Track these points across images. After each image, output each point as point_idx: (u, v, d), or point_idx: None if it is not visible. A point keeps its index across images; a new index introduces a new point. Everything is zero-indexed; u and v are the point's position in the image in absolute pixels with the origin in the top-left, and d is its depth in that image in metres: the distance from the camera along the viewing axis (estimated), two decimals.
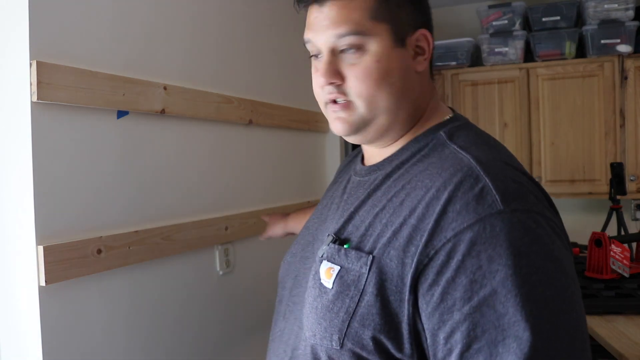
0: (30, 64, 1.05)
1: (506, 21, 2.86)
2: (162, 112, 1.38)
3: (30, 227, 1.07)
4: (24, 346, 1.10)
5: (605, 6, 2.72)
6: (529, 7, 2.86)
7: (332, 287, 0.70)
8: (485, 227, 0.62)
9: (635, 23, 2.70)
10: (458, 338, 0.61)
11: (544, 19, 2.84)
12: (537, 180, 0.76)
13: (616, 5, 2.70)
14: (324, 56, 0.75)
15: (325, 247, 0.75)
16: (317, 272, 0.74)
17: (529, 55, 2.92)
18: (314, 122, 2.21)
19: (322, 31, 0.74)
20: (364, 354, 0.67)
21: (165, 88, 1.38)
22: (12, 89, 1.08)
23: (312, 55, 0.79)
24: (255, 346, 1.78)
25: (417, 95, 0.77)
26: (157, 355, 1.37)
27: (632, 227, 2.66)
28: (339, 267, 0.71)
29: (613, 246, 1.94)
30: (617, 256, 1.94)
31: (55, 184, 1.11)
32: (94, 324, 1.20)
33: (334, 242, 0.74)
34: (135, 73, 1.31)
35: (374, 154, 0.81)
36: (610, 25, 2.73)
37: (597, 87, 2.79)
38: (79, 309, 1.16)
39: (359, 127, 0.75)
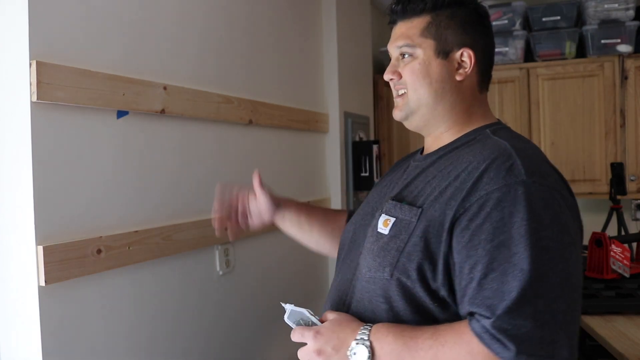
0: (30, 64, 1.05)
1: (506, 21, 2.86)
2: (162, 112, 1.38)
3: (30, 227, 1.07)
4: (24, 346, 1.10)
5: (606, 6, 2.72)
6: (529, 7, 2.86)
7: (388, 233, 0.92)
8: (510, 190, 0.83)
9: (636, 23, 2.70)
10: (479, 268, 0.81)
11: (544, 19, 2.84)
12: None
13: (616, 5, 2.70)
14: (392, 61, 1.02)
15: (385, 204, 0.97)
16: (375, 225, 0.96)
17: (529, 55, 2.92)
18: (314, 122, 2.21)
19: (392, 43, 1.02)
20: (408, 282, 0.88)
21: (165, 88, 1.38)
22: (12, 89, 1.08)
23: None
24: (256, 346, 1.78)
25: (456, 99, 0.99)
26: (157, 355, 1.37)
27: (632, 227, 2.65)
28: (394, 218, 0.93)
29: (613, 246, 1.94)
30: (617, 256, 1.94)
31: (55, 184, 1.11)
32: (94, 324, 1.20)
33: (393, 200, 0.96)
34: (135, 73, 1.31)
35: (431, 145, 1.03)
36: (610, 25, 2.73)
37: (597, 87, 2.79)
38: (79, 309, 1.16)
39: (408, 114, 1.01)
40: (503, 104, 2.87)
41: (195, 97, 1.50)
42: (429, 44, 0.98)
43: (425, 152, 1.06)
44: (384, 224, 0.95)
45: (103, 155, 1.23)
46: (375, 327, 0.88)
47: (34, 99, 1.06)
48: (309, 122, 2.17)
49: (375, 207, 1.04)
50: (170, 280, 1.43)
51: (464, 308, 0.84)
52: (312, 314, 0.94)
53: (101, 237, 1.19)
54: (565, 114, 2.84)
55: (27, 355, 1.09)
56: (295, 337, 0.93)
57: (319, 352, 0.90)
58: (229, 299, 1.66)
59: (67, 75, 1.12)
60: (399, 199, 0.96)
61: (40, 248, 1.06)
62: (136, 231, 1.29)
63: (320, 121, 2.28)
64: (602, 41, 2.75)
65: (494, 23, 2.87)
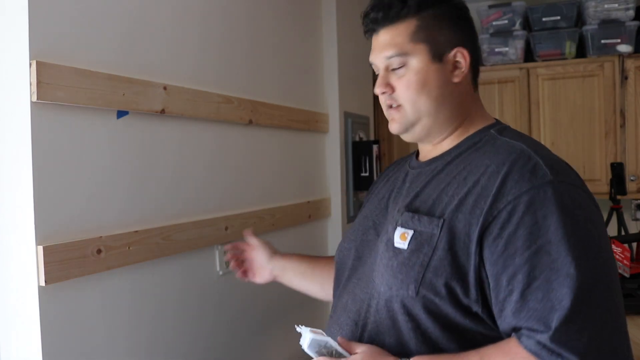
0: (30, 64, 1.05)
1: (506, 21, 2.86)
2: (162, 112, 1.37)
3: (30, 227, 1.07)
4: (24, 346, 1.10)
5: (606, 6, 2.72)
6: (529, 7, 2.86)
7: (408, 247, 0.86)
8: (539, 192, 0.78)
9: (636, 23, 2.70)
10: (520, 278, 0.76)
11: (544, 19, 2.84)
12: None
13: (616, 5, 2.70)
14: (380, 72, 0.96)
15: (398, 217, 0.91)
16: (391, 239, 0.89)
17: (529, 55, 2.92)
18: (314, 122, 2.21)
19: (377, 54, 0.96)
20: (437, 300, 0.82)
21: (165, 88, 1.38)
22: (11, 89, 1.08)
23: (376, 72, 0.99)
24: (256, 346, 1.78)
25: (456, 102, 0.94)
26: (157, 355, 1.37)
27: (632, 227, 2.65)
28: (412, 231, 0.87)
29: (613, 246, 1.94)
30: (617, 256, 1.95)
31: (55, 183, 1.11)
32: (94, 324, 1.20)
33: (408, 211, 0.90)
34: (135, 73, 1.31)
35: (430, 151, 0.98)
36: (610, 25, 2.73)
37: (597, 87, 2.79)
38: (79, 309, 1.16)
39: (408, 126, 0.95)
40: (503, 104, 2.87)
41: (195, 97, 1.50)
42: (422, 48, 0.91)
43: (424, 157, 1.00)
44: (401, 238, 0.88)
45: (103, 155, 1.23)
46: (415, 357, 0.82)
47: (34, 99, 1.06)
48: (309, 122, 2.16)
49: (378, 221, 0.99)
50: (170, 280, 1.43)
51: (507, 323, 0.79)
52: (336, 343, 0.86)
53: (101, 237, 1.19)
54: (565, 114, 2.84)
55: (27, 355, 1.09)
56: None
57: None
58: (229, 299, 1.66)
59: (67, 75, 1.12)
60: (413, 209, 0.90)
61: (40, 248, 1.06)
62: (136, 231, 1.29)
63: (320, 121, 2.28)
64: (602, 41, 2.75)
65: (494, 23, 2.87)
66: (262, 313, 1.79)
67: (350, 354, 0.86)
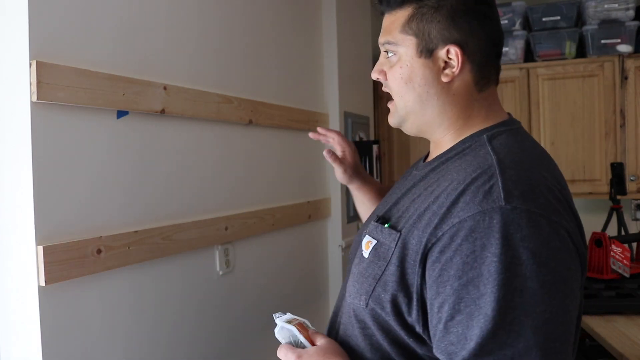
0: (30, 64, 1.05)
1: (506, 21, 2.87)
2: (162, 112, 1.37)
3: (30, 227, 1.07)
4: (23, 346, 1.10)
5: (606, 6, 2.72)
6: (529, 7, 2.86)
7: (368, 257, 0.85)
8: (485, 219, 0.71)
9: (636, 23, 2.70)
10: (446, 308, 0.72)
11: (544, 19, 2.84)
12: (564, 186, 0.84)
13: (616, 5, 2.70)
14: (380, 57, 0.92)
15: (370, 224, 0.89)
16: (361, 245, 0.89)
17: (529, 55, 2.92)
18: (314, 122, 2.21)
19: (379, 37, 0.91)
20: (383, 314, 0.81)
21: (165, 88, 1.38)
22: (12, 89, 1.08)
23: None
24: (255, 346, 1.78)
25: (444, 102, 0.87)
26: (157, 355, 1.37)
27: (632, 227, 2.66)
28: (375, 241, 0.85)
29: (613, 246, 1.95)
30: (617, 256, 1.95)
31: (55, 184, 1.11)
32: (94, 324, 1.20)
33: (377, 221, 0.88)
34: (135, 73, 1.31)
35: (434, 150, 0.94)
36: (610, 25, 2.73)
37: (597, 87, 2.79)
38: (79, 309, 1.16)
39: (400, 120, 0.91)
40: (503, 104, 2.85)
41: (195, 97, 1.50)
42: (410, 41, 0.85)
43: (431, 155, 0.96)
44: (365, 246, 0.87)
45: (103, 155, 1.23)
46: None
47: (34, 99, 1.06)
48: (309, 122, 2.17)
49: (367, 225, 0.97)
50: (170, 281, 1.43)
51: (436, 350, 0.76)
52: (301, 333, 0.89)
53: (101, 237, 1.19)
54: (565, 114, 2.84)
55: (27, 355, 1.09)
56: (280, 354, 0.88)
57: None
58: (229, 299, 1.66)
59: (67, 75, 1.12)
60: (384, 219, 0.88)
61: (40, 248, 1.06)
62: (136, 231, 1.29)
63: (320, 121, 2.28)
64: (602, 41, 2.75)
65: None
66: (263, 313, 1.79)
67: (312, 345, 0.88)
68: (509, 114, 0.95)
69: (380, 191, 1.29)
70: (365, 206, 1.28)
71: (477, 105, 0.89)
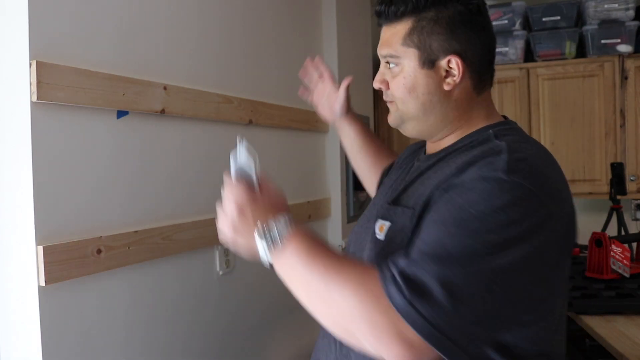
0: (30, 64, 1.05)
1: (506, 21, 2.87)
2: (162, 112, 1.38)
3: (30, 227, 1.07)
4: (23, 346, 1.10)
5: (606, 6, 2.72)
6: (529, 7, 2.86)
7: (385, 238, 0.88)
8: (482, 183, 0.77)
9: (636, 23, 2.70)
10: (415, 240, 0.79)
11: (544, 19, 2.84)
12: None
13: (616, 5, 2.70)
14: (380, 67, 0.97)
15: (381, 209, 0.95)
16: (373, 230, 0.92)
17: (529, 55, 2.92)
18: (314, 122, 2.21)
19: (379, 49, 0.95)
20: None
21: (165, 88, 1.38)
22: (12, 89, 1.08)
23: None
24: (256, 346, 1.78)
25: (449, 108, 0.92)
26: (157, 355, 1.37)
27: (633, 227, 2.66)
28: (389, 223, 0.89)
29: (613, 246, 1.94)
30: (617, 256, 1.94)
31: (55, 183, 1.11)
32: (94, 324, 1.20)
33: (389, 204, 0.93)
34: (135, 73, 1.31)
35: (434, 146, 0.98)
36: (610, 25, 2.73)
37: (597, 87, 2.79)
38: (79, 309, 1.16)
39: (399, 122, 0.96)
40: (503, 104, 2.87)
41: (195, 97, 1.50)
42: (413, 53, 0.90)
43: (428, 150, 1.01)
44: (379, 229, 0.91)
45: (103, 155, 1.23)
46: (295, 222, 0.84)
47: (34, 99, 1.06)
48: (309, 122, 2.17)
49: (377, 211, 1.00)
50: (170, 281, 1.43)
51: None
52: (255, 172, 0.88)
53: (101, 237, 1.19)
54: (565, 114, 2.84)
55: (27, 355, 1.09)
56: (229, 185, 0.89)
57: (241, 210, 0.86)
58: (229, 299, 1.66)
59: (67, 75, 1.12)
60: (395, 202, 0.92)
61: (40, 248, 1.06)
62: (136, 231, 1.29)
63: (320, 121, 2.28)
64: (602, 41, 2.75)
65: (494, 23, 2.86)
66: (263, 313, 1.79)
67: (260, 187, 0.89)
68: (503, 116, 1.01)
69: (363, 126, 1.41)
70: (350, 139, 1.39)
71: (477, 107, 0.95)
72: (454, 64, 0.89)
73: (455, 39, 0.89)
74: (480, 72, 0.92)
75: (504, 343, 0.77)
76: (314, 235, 0.84)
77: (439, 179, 0.84)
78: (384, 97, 0.98)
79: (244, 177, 0.89)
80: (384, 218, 0.91)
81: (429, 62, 0.89)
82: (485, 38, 0.92)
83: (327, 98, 1.38)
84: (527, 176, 0.77)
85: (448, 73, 0.90)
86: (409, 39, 0.89)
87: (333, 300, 0.77)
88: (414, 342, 0.71)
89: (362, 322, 0.74)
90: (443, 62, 0.89)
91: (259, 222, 0.84)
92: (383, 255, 0.85)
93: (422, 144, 1.09)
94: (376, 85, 0.97)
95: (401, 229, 0.86)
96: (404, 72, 0.91)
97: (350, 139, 1.39)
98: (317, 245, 0.82)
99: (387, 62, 0.94)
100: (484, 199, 0.75)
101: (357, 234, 1.04)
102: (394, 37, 0.91)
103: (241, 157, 0.90)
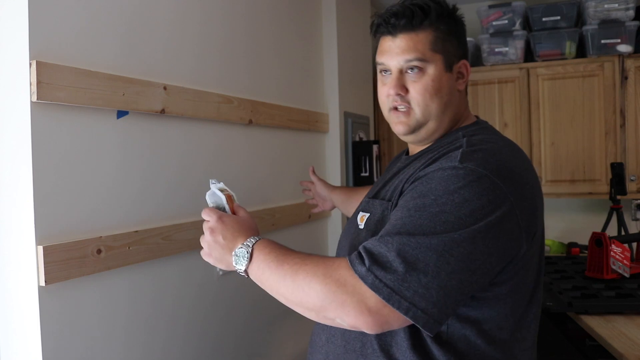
0: (30, 64, 1.05)
1: (506, 21, 2.87)
2: (162, 112, 1.38)
3: (30, 227, 1.07)
4: (23, 346, 1.10)
5: (606, 6, 2.72)
6: (529, 7, 2.86)
7: (364, 227, 1.01)
8: (440, 172, 0.89)
9: (636, 23, 2.70)
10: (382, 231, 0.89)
11: (544, 19, 2.84)
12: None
13: (616, 5, 2.70)
14: (393, 74, 1.03)
15: (363, 202, 1.09)
16: (356, 221, 1.05)
17: (529, 55, 2.92)
18: (314, 122, 2.21)
19: (394, 56, 1.02)
20: None
21: (165, 88, 1.38)
22: (12, 89, 1.08)
23: (381, 71, 1.07)
24: (256, 345, 1.78)
25: (457, 107, 1.06)
26: (156, 355, 1.37)
27: (633, 227, 2.65)
28: (369, 214, 1.02)
29: (613, 246, 1.94)
30: (617, 256, 1.94)
31: (55, 184, 1.11)
32: (94, 324, 1.20)
33: (369, 198, 1.06)
34: (135, 73, 1.31)
35: (415, 149, 1.10)
36: (610, 25, 2.73)
37: (597, 87, 2.79)
38: (79, 309, 1.16)
39: (415, 128, 1.04)
40: (503, 104, 2.87)
41: (195, 97, 1.50)
42: (439, 58, 1.01)
43: (411, 152, 1.13)
44: (360, 220, 1.03)
45: (103, 156, 1.23)
46: (262, 240, 0.99)
47: (34, 99, 1.06)
48: (309, 122, 2.17)
49: (361, 206, 1.13)
50: (170, 281, 1.43)
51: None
52: (227, 203, 1.05)
53: (101, 237, 1.19)
54: (565, 114, 2.84)
55: (27, 355, 1.09)
56: (204, 214, 1.03)
57: (212, 232, 1.01)
58: (228, 299, 1.66)
59: (67, 75, 1.12)
60: (375, 197, 1.05)
61: (40, 248, 1.06)
62: (136, 231, 1.29)
63: (320, 121, 2.28)
64: (602, 41, 2.75)
65: (494, 23, 2.87)
66: (263, 313, 1.79)
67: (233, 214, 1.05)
68: (476, 116, 1.14)
69: (343, 189, 1.72)
70: (343, 204, 1.65)
71: (466, 107, 1.10)
72: (463, 67, 1.05)
73: (461, 46, 1.06)
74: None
75: (472, 318, 0.90)
76: (279, 245, 0.98)
77: (410, 173, 0.97)
78: (397, 105, 1.03)
79: (219, 209, 1.07)
80: (365, 210, 1.04)
81: (449, 65, 1.02)
82: (467, 45, 1.10)
83: (318, 194, 1.75)
84: (481, 162, 0.88)
85: (459, 75, 1.05)
86: (435, 45, 1.01)
87: (304, 293, 0.88)
88: (379, 309, 0.81)
89: (332, 305, 0.84)
90: (458, 66, 1.04)
91: (231, 242, 1.00)
92: (359, 241, 0.96)
93: (406, 152, 1.21)
94: (395, 90, 1.02)
95: (378, 219, 0.98)
96: (430, 76, 1.00)
97: (343, 204, 1.66)
98: (281, 252, 0.95)
99: (411, 68, 1.01)
100: (440, 184, 0.87)
101: (346, 227, 1.15)
102: (420, 44, 1.00)
103: (215, 195, 1.06)
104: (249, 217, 1.06)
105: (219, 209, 1.05)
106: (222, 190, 1.06)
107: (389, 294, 0.80)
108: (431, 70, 1.00)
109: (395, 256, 0.82)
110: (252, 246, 0.97)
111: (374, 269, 0.82)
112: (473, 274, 0.83)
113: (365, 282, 0.82)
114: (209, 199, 1.07)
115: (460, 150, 0.92)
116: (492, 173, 0.87)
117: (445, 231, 0.82)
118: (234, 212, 1.06)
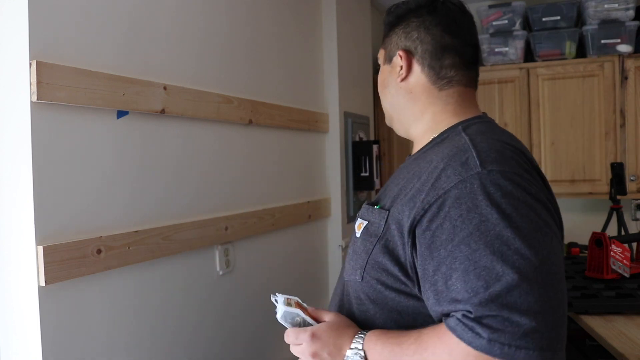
0: (30, 64, 1.05)
1: (506, 21, 2.86)
2: (162, 112, 1.38)
3: (30, 227, 1.07)
4: (23, 346, 1.10)
5: (606, 6, 2.72)
6: (529, 7, 2.86)
7: (360, 236, 0.95)
8: (467, 185, 0.81)
9: (636, 23, 2.70)
10: (443, 270, 0.80)
11: (544, 19, 2.84)
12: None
13: (616, 5, 2.70)
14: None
15: (362, 209, 1.01)
16: (354, 228, 0.99)
17: (529, 55, 2.92)
18: (314, 122, 2.21)
19: None
20: (378, 286, 0.90)
21: (165, 88, 1.38)
22: (12, 89, 1.08)
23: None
24: (256, 345, 1.78)
25: (406, 100, 1.02)
26: (157, 355, 1.37)
27: (633, 227, 2.65)
28: (367, 222, 0.95)
29: (613, 246, 1.94)
30: (617, 256, 1.94)
31: (55, 183, 1.11)
32: (94, 324, 1.20)
33: (368, 204, 0.99)
34: (135, 73, 1.31)
35: (415, 148, 1.05)
36: (610, 25, 2.73)
37: (597, 87, 2.79)
38: (79, 309, 1.16)
39: (389, 123, 1.09)
40: (503, 104, 2.87)
41: (195, 97, 1.50)
42: (383, 52, 1.05)
43: (413, 154, 1.11)
44: (358, 228, 0.97)
45: (103, 155, 1.23)
46: (368, 335, 0.89)
47: (34, 99, 1.06)
48: (309, 122, 2.17)
49: (360, 213, 1.10)
50: (170, 281, 1.43)
51: (434, 312, 0.83)
52: (306, 314, 0.93)
53: (101, 237, 1.19)
54: (565, 114, 2.84)
55: (27, 355, 1.09)
56: (290, 339, 0.92)
57: (314, 355, 0.89)
58: (229, 299, 1.66)
59: (67, 75, 1.12)
60: (374, 203, 0.99)
61: (40, 248, 1.06)
62: (136, 231, 1.29)
63: (320, 121, 2.28)
64: (602, 41, 2.75)
65: (494, 23, 2.87)
66: (263, 313, 1.79)
67: (319, 322, 0.93)
68: (484, 113, 1.05)
69: None
70: None
71: (441, 103, 1.00)
72: (398, 57, 1.00)
73: (409, 37, 1.00)
74: (438, 67, 0.98)
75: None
76: (385, 333, 0.88)
77: (412, 181, 0.90)
78: None
79: (299, 324, 0.95)
80: (362, 217, 0.98)
81: (389, 58, 1.03)
82: (438, 37, 0.98)
83: None
84: (501, 161, 0.83)
85: (401, 68, 1.00)
86: (383, 40, 1.05)
87: None
88: None
89: None
90: (396, 57, 1.00)
91: (338, 355, 0.90)
92: (358, 253, 0.93)
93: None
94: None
95: (376, 228, 0.92)
96: (380, 71, 1.05)
97: None
98: (393, 340, 0.86)
99: None
100: (494, 222, 0.78)
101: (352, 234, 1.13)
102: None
103: (289, 314, 0.94)
104: (335, 315, 0.95)
105: (298, 324, 0.94)
106: (288, 304, 0.94)
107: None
108: (380, 64, 1.05)
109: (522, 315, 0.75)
110: (363, 348, 0.88)
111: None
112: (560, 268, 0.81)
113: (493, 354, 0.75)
114: (283, 321, 0.94)
115: (470, 152, 0.85)
116: (516, 169, 0.84)
117: (529, 256, 0.77)
118: (314, 319, 0.94)
